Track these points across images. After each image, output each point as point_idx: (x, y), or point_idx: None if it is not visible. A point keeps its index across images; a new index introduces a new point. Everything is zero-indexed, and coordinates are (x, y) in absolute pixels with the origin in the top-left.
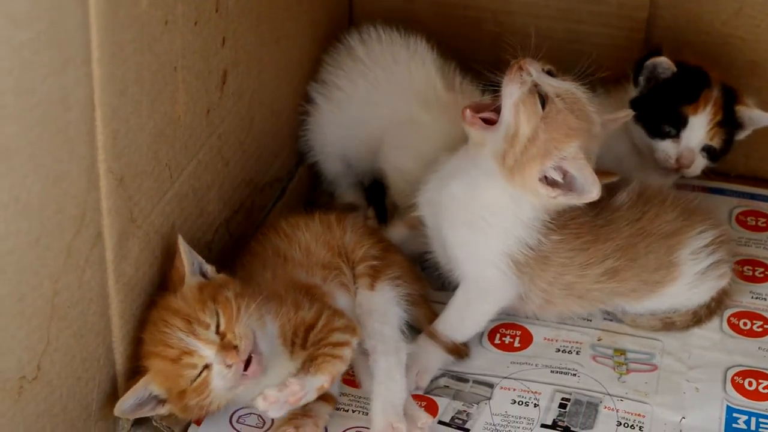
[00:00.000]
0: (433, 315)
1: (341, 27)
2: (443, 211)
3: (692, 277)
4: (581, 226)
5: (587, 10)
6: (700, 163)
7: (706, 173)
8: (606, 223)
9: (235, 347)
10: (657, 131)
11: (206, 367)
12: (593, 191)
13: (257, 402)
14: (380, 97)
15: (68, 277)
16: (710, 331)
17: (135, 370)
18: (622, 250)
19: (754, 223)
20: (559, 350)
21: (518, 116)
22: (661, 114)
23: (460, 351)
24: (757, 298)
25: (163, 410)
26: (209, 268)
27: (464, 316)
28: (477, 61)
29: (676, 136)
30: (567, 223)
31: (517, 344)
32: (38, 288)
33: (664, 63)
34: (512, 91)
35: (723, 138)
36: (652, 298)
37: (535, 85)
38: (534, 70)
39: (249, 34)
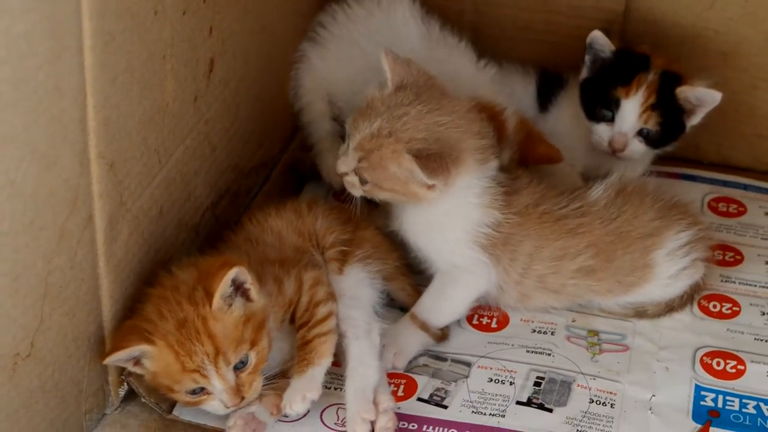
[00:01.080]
0: (411, 287)
1: None
2: (402, 225)
3: (666, 279)
4: (545, 214)
5: (566, 2)
6: (637, 147)
7: (681, 160)
8: (579, 215)
9: (243, 398)
10: (593, 114)
11: (205, 391)
12: (430, 178)
13: (288, 412)
14: (364, 39)
15: (61, 257)
16: (681, 313)
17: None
18: (598, 249)
19: (725, 209)
20: (534, 331)
21: (377, 197)
22: (596, 97)
23: (441, 335)
24: (726, 281)
25: (134, 368)
26: (254, 290)
27: (441, 304)
28: None
29: (611, 119)
30: (527, 209)
31: (494, 325)
32: (32, 268)
33: (600, 39)
34: (358, 194)
35: (659, 121)
36: (626, 296)
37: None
38: (342, 167)
39: (235, 24)
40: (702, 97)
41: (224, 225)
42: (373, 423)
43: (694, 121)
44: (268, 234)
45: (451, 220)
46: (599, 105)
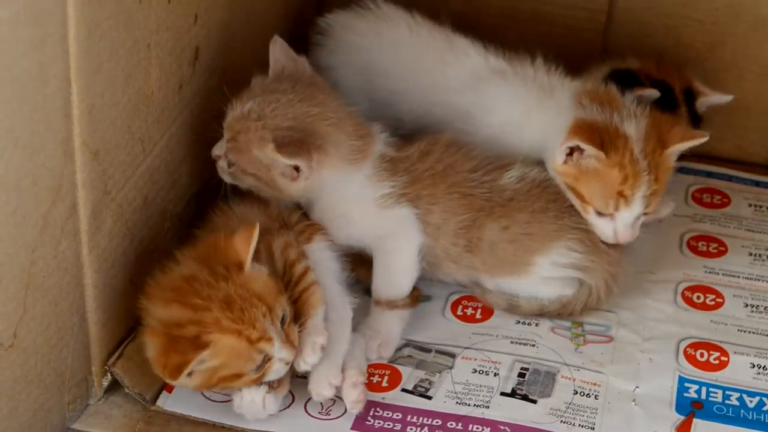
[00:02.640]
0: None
1: (310, 6)
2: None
3: (541, 281)
4: (452, 188)
5: None
6: None
7: None
8: (487, 191)
9: (294, 347)
10: None
11: (267, 357)
12: (289, 161)
13: (303, 367)
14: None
15: (44, 247)
16: (664, 304)
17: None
18: (491, 230)
19: (709, 200)
20: (518, 322)
21: (243, 184)
22: None
23: (412, 300)
24: (710, 272)
25: (186, 381)
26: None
27: (392, 277)
28: None
29: None
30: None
31: (478, 316)
32: (15, 257)
33: (651, 95)
34: (228, 180)
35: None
36: (503, 279)
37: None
38: (216, 151)
39: (221, 12)
40: (717, 102)
41: (205, 213)
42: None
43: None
44: (233, 220)
45: (357, 203)
46: None
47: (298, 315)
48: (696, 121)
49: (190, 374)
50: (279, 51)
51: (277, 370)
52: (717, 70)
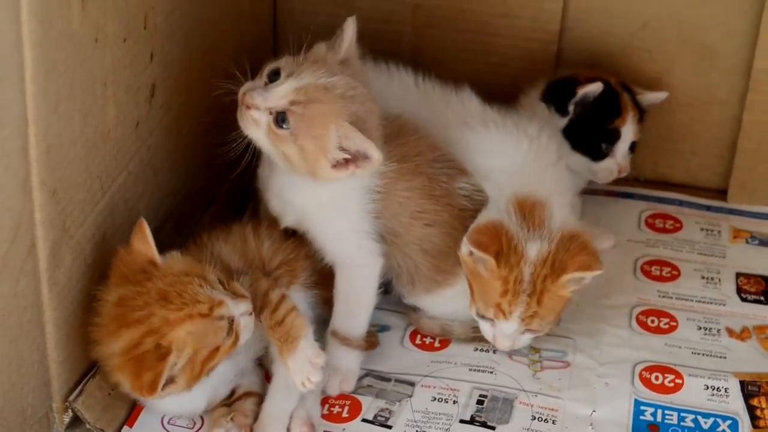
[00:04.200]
0: None
1: (265, 39)
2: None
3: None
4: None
5: (503, 23)
6: (629, 159)
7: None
8: (442, 194)
9: (245, 297)
10: (599, 152)
11: (230, 320)
12: (371, 152)
13: (309, 387)
14: None
15: (3, 286)
16: (619, 329)
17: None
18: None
19: (662, 225)
20: (476, 349)
21: (278, 147)
22: (597, 136)
23: (368, 344)
24: (664, 296)
25: (173, 388)
26: None
27: (352, 301)
28: None
29: (612, 151)
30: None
31: (437, 344)
32: None
33: (595, 89)
34: (255, 135)
35: (639, 129)
36: (428, 293)
37: (270, 111)
38: (259, 99)
39: (177, 49)
40: (655, 100)
41: (168, 249)
42: None
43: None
44: (206, 255)
45: (342, 209)
46: (602, 141)
47: (283, 340)
48: (641, 112)
49: (173, 380)
50: (352, 34)
51: (246, 324)
52: (666, 98)
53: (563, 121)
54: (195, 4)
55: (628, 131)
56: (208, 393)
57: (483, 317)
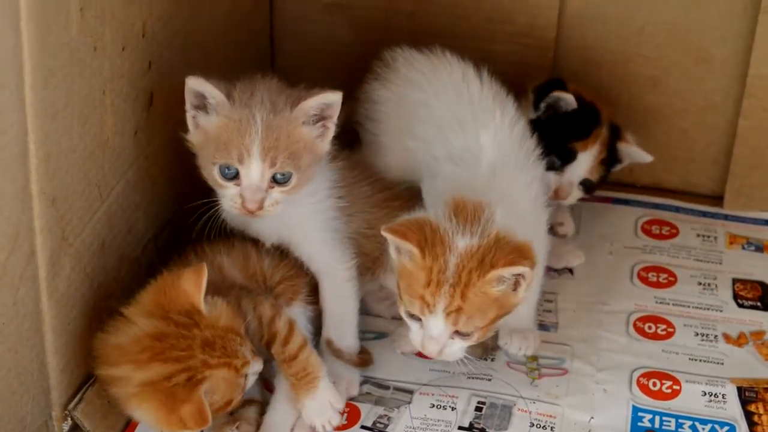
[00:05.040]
0: None
1: (263, 46)
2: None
3: None
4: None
5: (500, 29)
6: (576, 194)
7: (614, 184)
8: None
9: (259, 358)
10: (548, 163)
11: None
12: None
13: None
14: None
15: (3, 294)
16: (617, 335)
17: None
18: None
19: (658, 231)
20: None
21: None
22: (552, 146)
23: (360, 362)
24: (661, 302)
25: None
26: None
27: (342, 308)
28: None
29: (560, 168)
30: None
31: None
32: None
33: (568, 99)
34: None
35: (601, 174)
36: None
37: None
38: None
39: (174, 57)
40: (637, 156)
41: (166, 257)
42: None
43: (617, 168)
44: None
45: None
46: (554, 154)
47: (300, 377)
48: (612, 161)
49: None
50: None
51: (251, 382)
52: (661, 103)
53: (533, 115)
54: (192, 12)
55: (585, 161)
56: None
57: (411, 316)
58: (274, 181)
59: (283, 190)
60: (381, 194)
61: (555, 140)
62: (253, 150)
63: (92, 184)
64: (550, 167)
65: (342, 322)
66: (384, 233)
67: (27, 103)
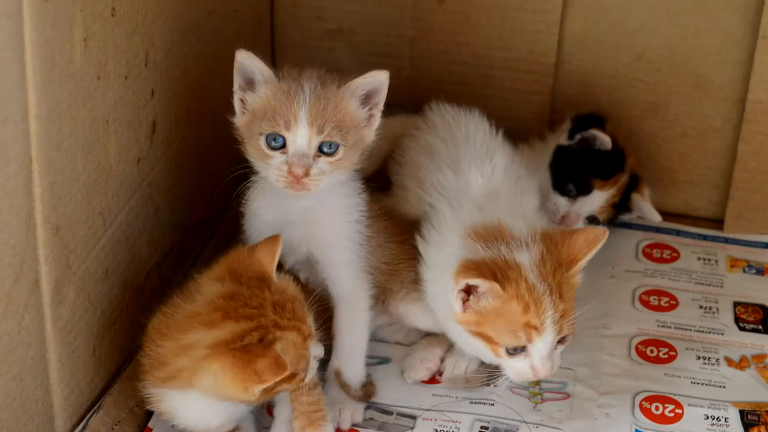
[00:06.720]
0: None
1: None
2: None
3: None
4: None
5: (500, 56)
6: (580, 225)
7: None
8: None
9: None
10: (561, 186)
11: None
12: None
13: None
14: None
15: (8, 323)
16: (619, 359)
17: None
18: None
19: (659, 255)
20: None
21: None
22: (573, 174)
23: (364, 395)
24: (662, 326)
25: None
26: None
27: (356, 337)
28: (395, 104)
29: (573, 197)
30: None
31: (438, 377)
32: None
33: (605, 141)
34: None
35: (609, 216)
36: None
37: None
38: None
39: (176, 85)
40: (647, 212)
41: (169, 284)
42: None
43: (624, 216)
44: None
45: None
46: (572, 182)
47: (312, 404)
48: (622, 207)
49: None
50: None
51: (312, 368)
52: (661, 128)
53: (565, 141)
54: (193, 40)
55: (598, 198)
56: (227, 414)
57: (514, 352)
58: (320, 151)
59: (330, 161)
60: (398, 229)
61: (577, 170)
62: (301, 116)
63: (96, 212)
64: (565, 192)
65: (354, 351)
66: (463, 280)
67: (32, 134)
